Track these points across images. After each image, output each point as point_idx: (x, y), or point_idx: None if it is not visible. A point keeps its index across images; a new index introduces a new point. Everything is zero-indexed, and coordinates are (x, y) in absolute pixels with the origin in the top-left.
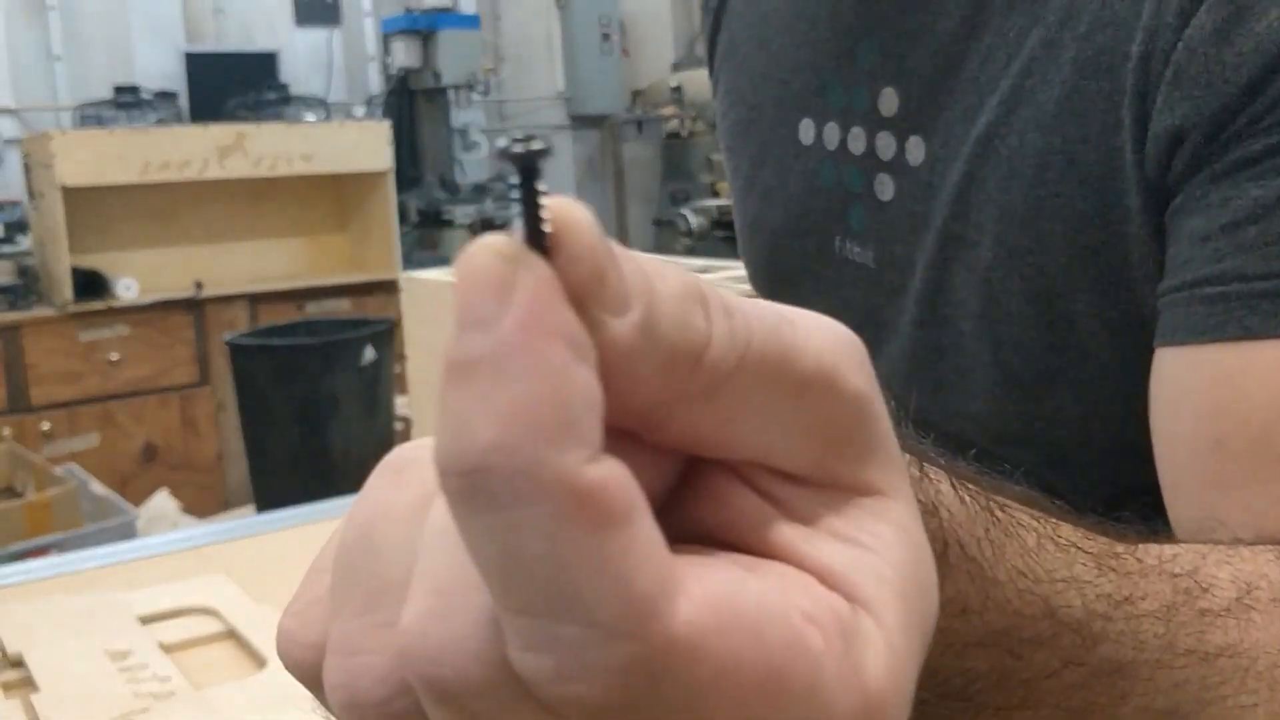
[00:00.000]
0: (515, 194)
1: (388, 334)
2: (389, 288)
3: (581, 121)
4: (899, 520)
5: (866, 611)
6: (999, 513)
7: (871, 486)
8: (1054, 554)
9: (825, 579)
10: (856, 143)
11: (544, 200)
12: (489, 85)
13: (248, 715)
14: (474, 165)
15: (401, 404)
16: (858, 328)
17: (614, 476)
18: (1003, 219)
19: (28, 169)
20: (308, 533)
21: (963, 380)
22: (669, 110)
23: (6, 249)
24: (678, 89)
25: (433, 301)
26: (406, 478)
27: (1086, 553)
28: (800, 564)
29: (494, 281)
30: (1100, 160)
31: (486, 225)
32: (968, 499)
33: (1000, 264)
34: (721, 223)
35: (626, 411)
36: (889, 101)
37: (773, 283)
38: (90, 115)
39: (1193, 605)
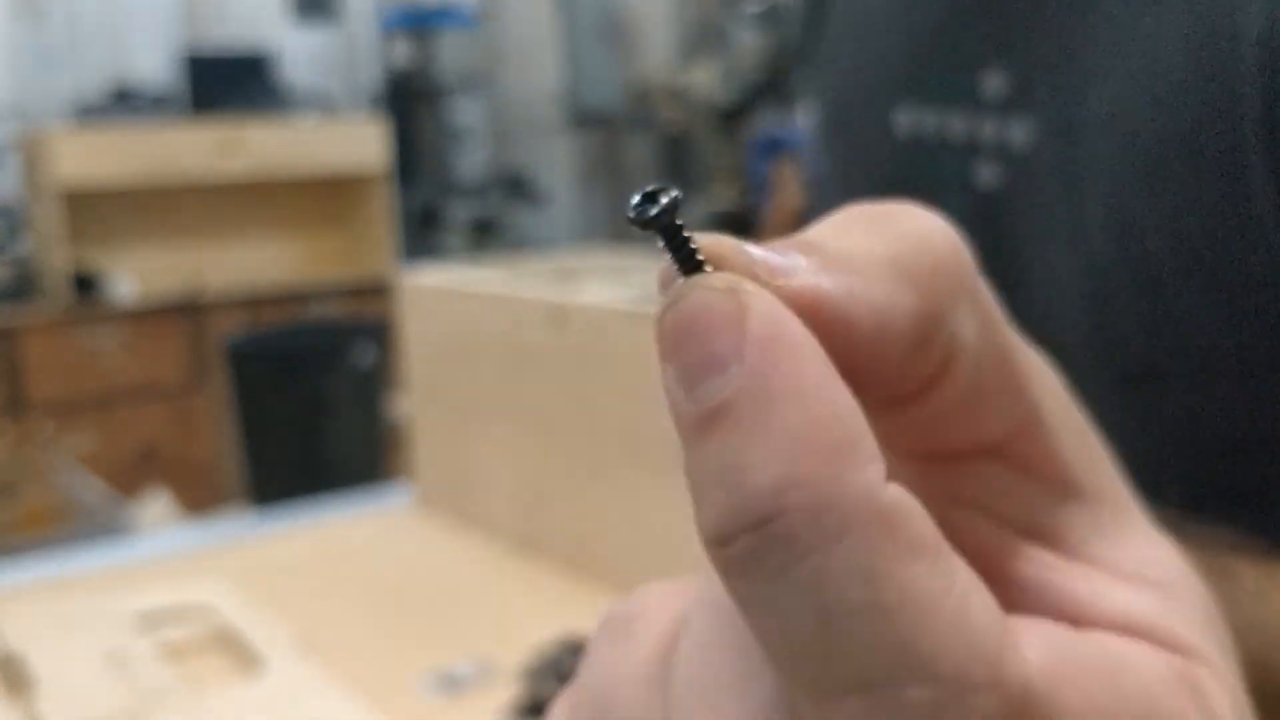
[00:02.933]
0: (668, 251)
1: (386, 335)
2: (387, 288)
3: (581, 121)
4: (1161, 539)
5: (1193, 659)
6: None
7: (1109, 492)
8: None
9: (1127, 629)
10: (953, 130)
11: (694, 242)
12: (489, 84)
13: (247, 716)
14: (473, 165)
15: (400, 405)
16: None
17: (908, 496)
18: (1116, 206)
19: (27, 169)
20: (306, 533)
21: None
22: (669, 110)
23: (5, 249)
24: (678, 89)
25: (431, 302)
26: (636, 636)
27: None
28: (1088, 612)
29: (719, 316)
30: (1220, 142)
31: (486, 229)
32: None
33: (1110, 255)
34: (721, 223)
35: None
36: (993, 84)
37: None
38: (90, 115)
39: None
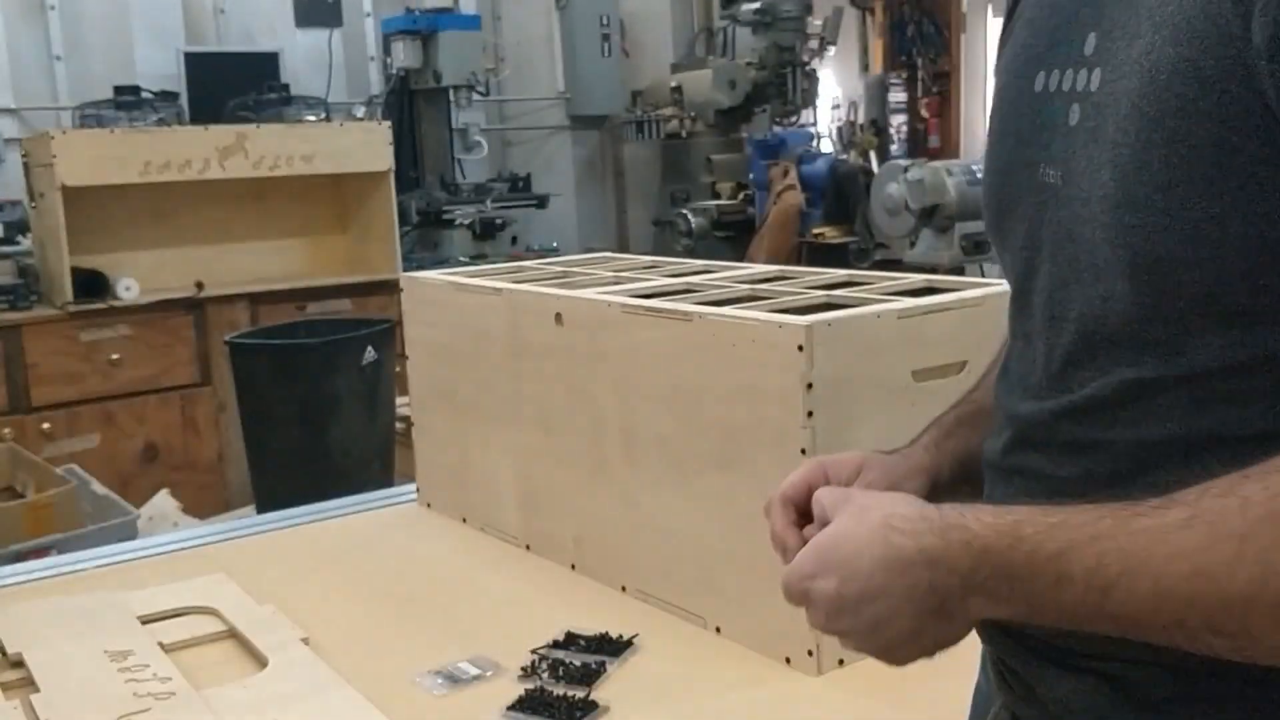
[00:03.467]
0: None
1: (388, 334)
2: (389, 288)
3: (581, 121)
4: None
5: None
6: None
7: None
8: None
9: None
10: (1064, 83)
11: None
12: (489, 85)
13: (248, 715)
14: (474, 165)
15: (401, 404)
16: (1053, 244)
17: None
18: (1142, 121)
19: (28, 169)
20: (308, 533)
21: (1097, 268)
22: (669, 110)
23: (6, 249)
24: (678, 89)
25: (433, 301)
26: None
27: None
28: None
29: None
30: (1219, 65)
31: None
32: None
33: (1138, 159)
34: (721, 223)
35: None
36: (1090, 43)
37: (998, 215)
38: (90, 115)
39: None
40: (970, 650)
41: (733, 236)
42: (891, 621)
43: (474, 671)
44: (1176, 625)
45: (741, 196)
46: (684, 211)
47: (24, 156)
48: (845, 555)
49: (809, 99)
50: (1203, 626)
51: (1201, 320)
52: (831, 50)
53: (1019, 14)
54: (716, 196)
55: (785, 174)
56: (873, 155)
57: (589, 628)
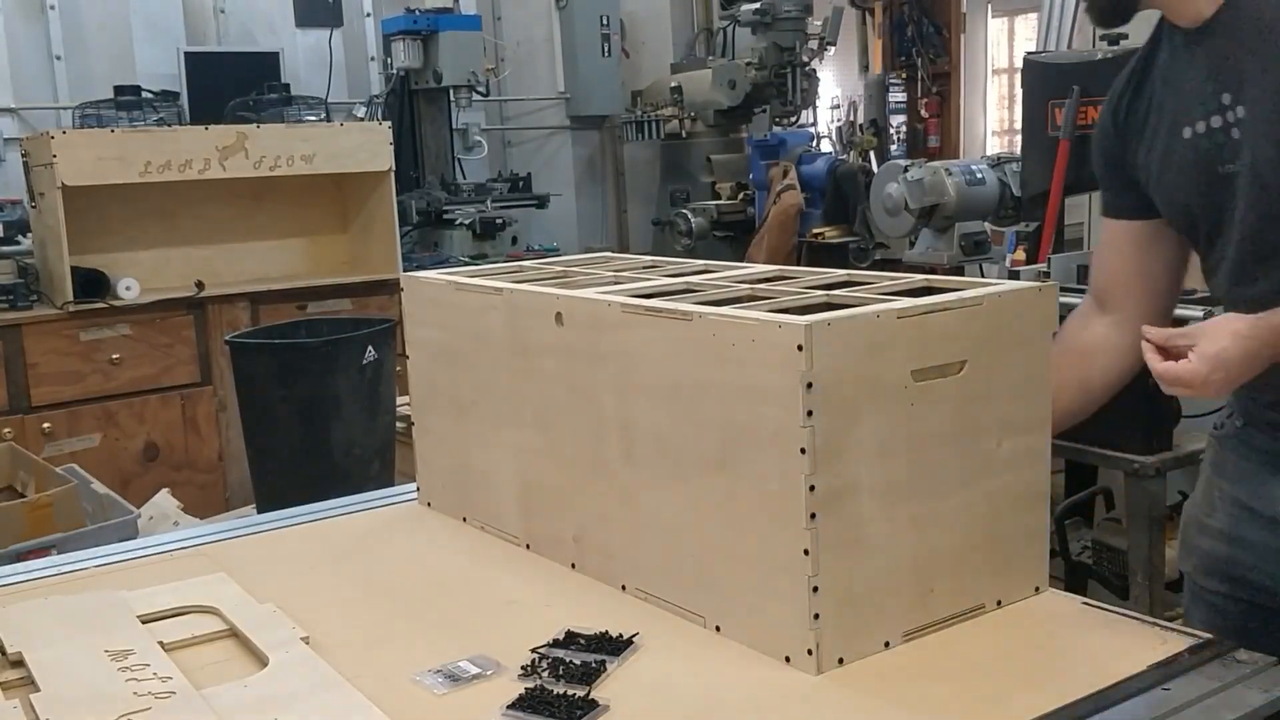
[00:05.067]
0: None
1: (388, 334)
2: (389, 287)
3: (581, 121)
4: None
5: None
6: None
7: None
8: None
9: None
10: (1217, 123)
11: None
12: (489, 85)
13: (248, 715)
14: (474, 165)
15: (402, 404)
16: (1249, 204)
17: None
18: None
19: (28, 169)
20: (308, 533)
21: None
22: (669, 110)
23: (6, 249)
24: (678, 89)
25: (433, 301)
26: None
27: None
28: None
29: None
30: None
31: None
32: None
33: (1269, 173)
34: (721, 223)
35: None
36: (1225, 96)
37: (1186, 220)
38: (90, 115)
39: None
40: (967, 651)
41: (732, 236)
42: (1237, 383)
43: (474, 670)
44: None
45: (741, 196)
46: (684, 211)
47: (24, 156)
48: (1225, 360)
49: (809, 99)
50: None
51: None
52: (831, 50)
53: (1128, 110)
54: (716, 196)
55: (785, 174)
56: (872, 155)
57: (589, 627)
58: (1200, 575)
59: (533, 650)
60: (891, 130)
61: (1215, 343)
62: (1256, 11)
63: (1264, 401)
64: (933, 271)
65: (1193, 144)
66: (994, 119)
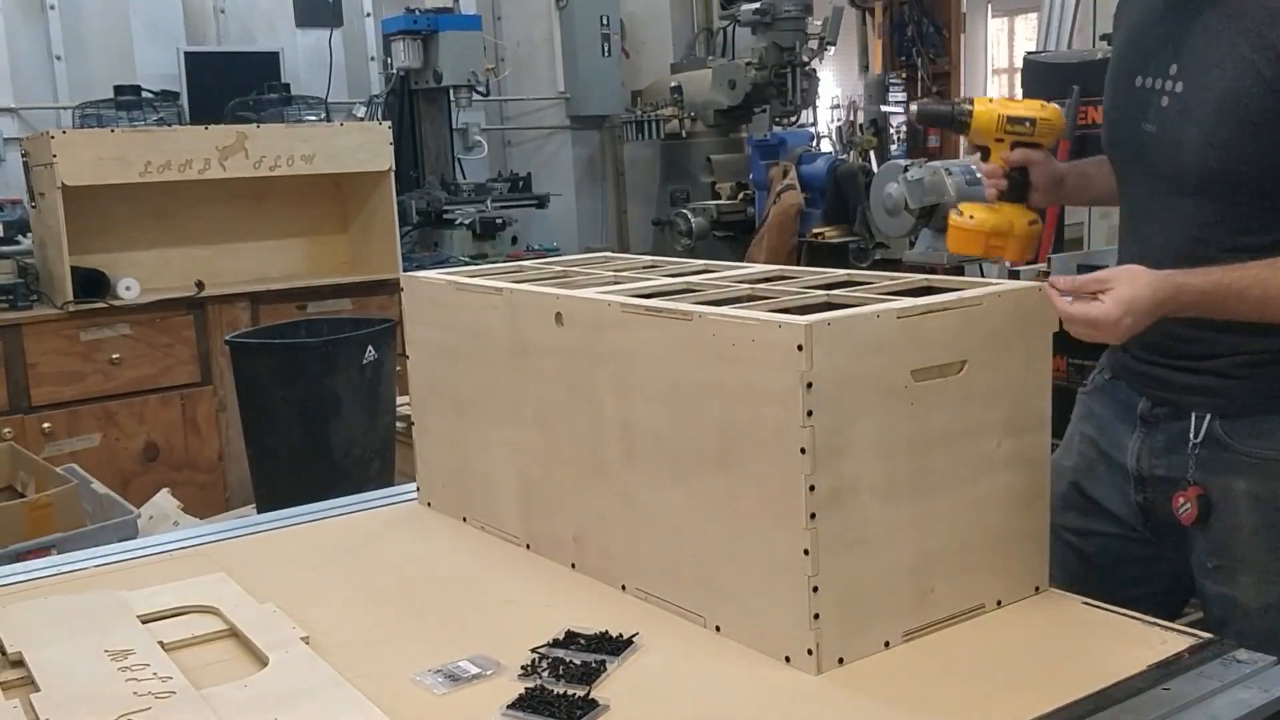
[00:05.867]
0: None
1: (388, 334)
2: (389, 287)
3: (581, 121)
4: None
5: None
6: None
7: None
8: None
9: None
10: (1157, 85)
11: None
12: (489, 85)
13: (248, 714)
14: (474, 165)
15: (402, 404)
16: (1152, 162)
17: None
18: (1212, 123)
19: (28, 169)
20: (308, 533)
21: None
22: (669, 110)
23: (6, 249)
24: (678, 89)
25: (433, 301)
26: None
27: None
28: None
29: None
30: (1259, 97)
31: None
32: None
33: (1205, 144)
34: (721, 223)
35: None
36: (1173, 69)
37: (1112, 148)
38: (90, 115)
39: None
40: (967, 651)
41: (732, 236)
42: (1138, 329)
43: (474, 670)
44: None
45: (741, 196)
46: (684, 211)
47: (24, 156)
48: (1136, 306)
49: (809, 99)
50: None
51: (1250, 200)
52: (831, 50)
53: (1120, 21)
54: (716, 196)
55: (785, 174)
56: (872, 155)
57: (589, 626)
58: (1056, 514)
59: (533, 650)
60: (891, 130)
61: (1131, 288)
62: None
63: (1133, 354)
64: (933, 271)
65: (1137, 93)
66: None
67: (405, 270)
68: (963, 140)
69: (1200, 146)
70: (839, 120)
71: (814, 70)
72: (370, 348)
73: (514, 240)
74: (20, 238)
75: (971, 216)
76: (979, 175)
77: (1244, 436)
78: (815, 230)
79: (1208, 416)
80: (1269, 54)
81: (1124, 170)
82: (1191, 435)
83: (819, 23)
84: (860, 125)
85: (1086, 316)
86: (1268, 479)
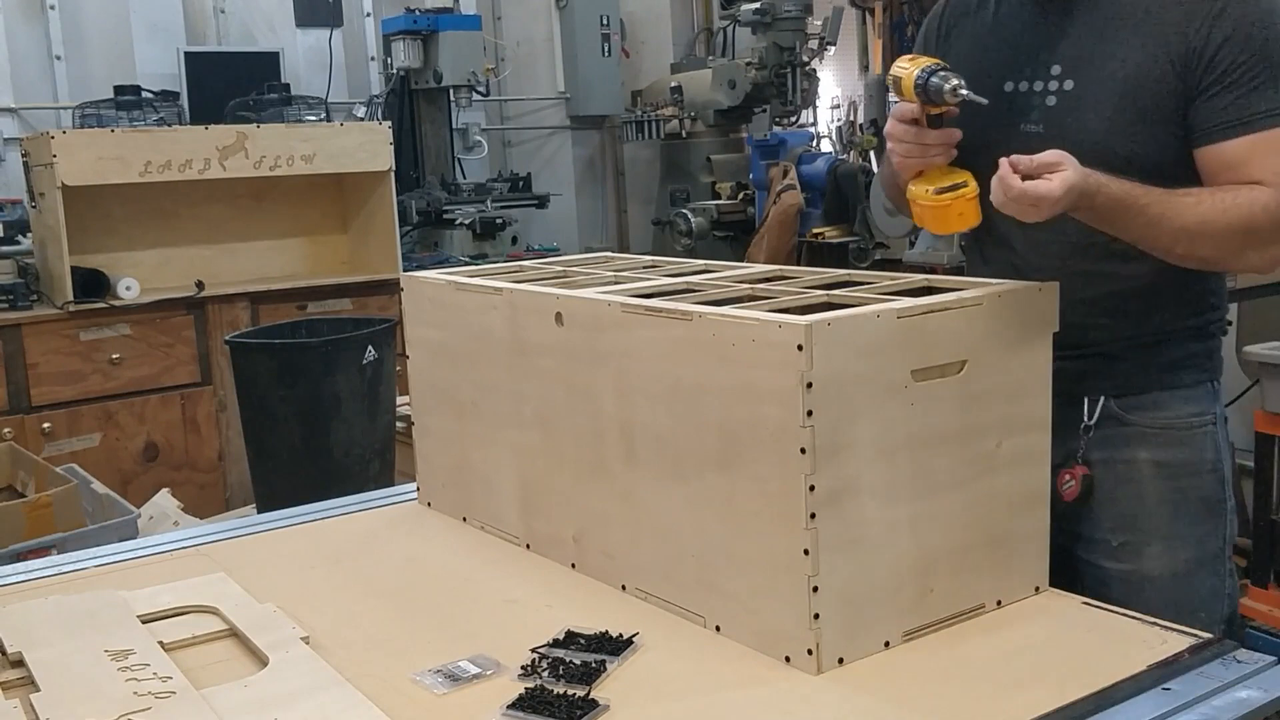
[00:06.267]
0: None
1: (388, 334)
2: (389, 287)
3: (581, 121)
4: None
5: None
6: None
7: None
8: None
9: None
10: (1038, 86)
11: None
12: (489, 85)
13: (248, 714)
14: (474, 165)
15: (402, 404)
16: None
17: None
18: (1112, 111)
19: (28, 169)
20: (308, 532)
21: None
22: (669, 110)
23: (6, 249)
24: (678, 89)
25: (433, 301)
26: None
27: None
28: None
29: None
30: (1158, 84)
31: (488, 226)
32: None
33: (1109, 131)
34: (721, 223)
35: None
36: (1057, 69)
37: (981, 152)
38: (90, 115)
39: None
40: (967, 651)
41: (733, 236)
42: (1057, 208)
43: (474, 670)
44: (1174, 240)
45: (741, 196)
46: (684, 211)
47: (24, 156)
48: (1072, 190)
49: (809, 99)
50: (1187, 244)
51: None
52: (831, 50)
53: (954, 35)
54: (716, 196)
55: (785, 174)
56: (872, 155)
57: (589, 626)
58: None
59: (533, 650)
60: None
61: (1074, 173)
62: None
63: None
64: (933, 271)
65: (1010, 99)
66: None
67: (405, 270)
68: None
69: (1104, 135)
70: (839, 120)
71: (814, 70)
72: (370, 348)
73: (514, 240)
74: (20, 238)
75: (965, 183)
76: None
77: (1141, 410)
78: (815, 230)
79: (1101, 398)
80: (1170, 39)
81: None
82: (1085, 418)
83: (819, 23)
84: (860, 125)
85: (1036, 193)
86: (1169, 446)
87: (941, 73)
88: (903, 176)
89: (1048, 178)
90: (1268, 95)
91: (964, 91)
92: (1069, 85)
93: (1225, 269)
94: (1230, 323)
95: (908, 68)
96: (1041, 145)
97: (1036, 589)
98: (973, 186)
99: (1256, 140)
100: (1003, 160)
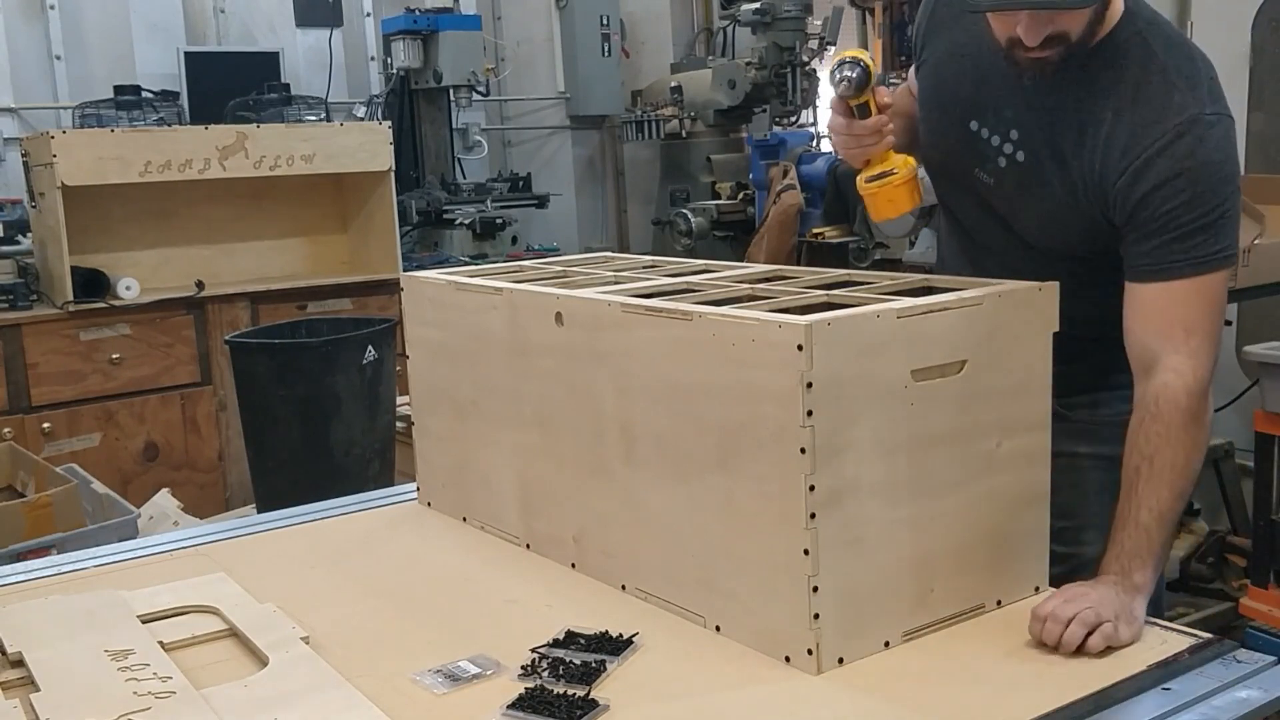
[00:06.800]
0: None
1: (388, 334)
2: (389, 287)
3: (581, 121)
4: None
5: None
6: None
7: None
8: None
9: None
10: (995, 141)
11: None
12: (489, 85)
13: (248, 714)
14: (474, 165)
15: (402, 404)
16: (986, 209)
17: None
18: (1054, 206)
19: (28, 169)
20: (308, 532)
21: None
22: (669, 110)
23: (6, 249)
24: (678, 89)
25: (433, 301)
26: None
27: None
28: None
29: None
30: (1086, 208)
31: (488, 226)
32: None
33: (1049, 218)
34: (721, 223)
35: None
36: (1014, 132)
37: (942, 177)
38: (90, 115)
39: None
40: (967, 651)
41: (732, 236)
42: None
43: (474, 670)
44: (1184, 497)
45: (741, 196)
46: (684, 211)
47: (24, 156)
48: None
49: (809, 99)
50: (1188, 484)
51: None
52: (831, 50)
53: (931, 58)
54: (716, 196)
55: (785, 174)
56: None
57: (589, 626)
58: None
59: (533, 650)
60: None
61: (1104, 598)
62: (1091, 91)
63: None
64: (932, 271)
65: (973, 137)
66: None
67: (405, 270)
68: None
69: (1033, 230)
70: None
71: (814, 70)
72: (370, 348)
73: (514, 240)
74: (20, 238)
75: (895, 170)
76: None
77: (1081, 409)
78: (815, 230)
79: None
80: (1092, 178)
81: (956, 193)
82: None
83: (819, 23)
84: None
85: (1108, 639)
86: (1108, 442)
87: (844, 66)
88: (853, 168)
89: (1104, 632)
90: (1191, 244)
91: (849, 94)
92: (1020, 157)
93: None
94: (1229, 322)
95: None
96: (990, 197)
97: (1036, 589)
98: (902, 173)
99: (1171, 291)
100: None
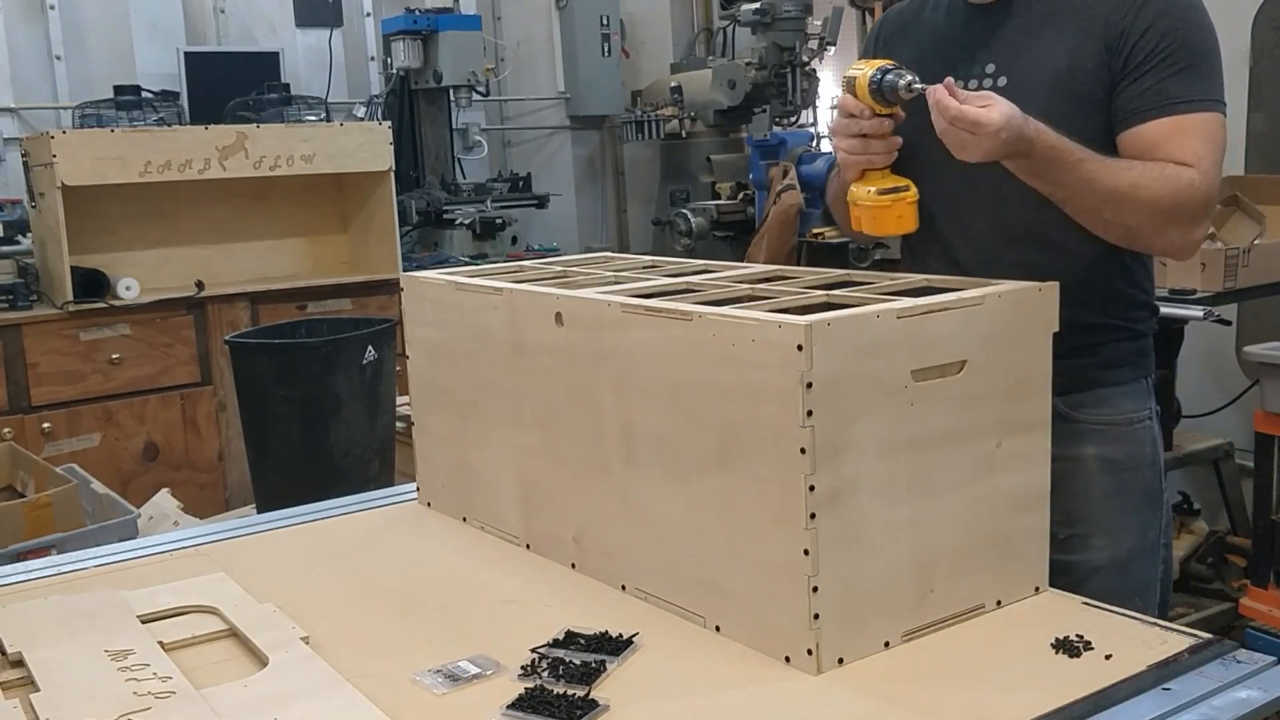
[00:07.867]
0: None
1: (388, 334)
2: (389, 287)
3: (581, 121)
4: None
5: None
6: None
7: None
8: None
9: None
10: (974, 85)
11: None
12: (489, 85)
13: (248, 714)
14: (474, 165)
15: (402, 404)
16: (963, 168)
17: None
18: (1045, 103)
19: (28, 169)
20: (308, 532)
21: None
22: (669, 110)
23: (6, 249)
24: (678, 89)
25: (433, 301)
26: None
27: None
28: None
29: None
30: (1090, 72)
31: (487, 226)
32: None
33: (1054, 106)
34: (721, 223)
35: None
36: (991, 68)
37: (919, 152)
38: (90, 115)
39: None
40: (967, 651)
41: (733, 236)
42: (1003, 153)
43: (474, 670)
44: (1104, 202)
45: (741, 196)
46: (684, 211)
47: (24, 156)
48: (1013, 126)
49: (809, 99)
50: (1115, 209)
51: None
52: (831, 50)
53: (895, 45)
54: (716, 196)
55: (785, 174)
56: None
57: (589, 626)
58: None
59: (533, 650)
60: None
61: (1011, 108)
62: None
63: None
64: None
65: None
66: None
67: (405, 270)
68: None
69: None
70: None
71: (814, 70)
72: (370, 348)
73: (514, 240)
74: (20, 238)
75: (907, 187)
76: None
77: (1085, 408)
78: (815, 230)
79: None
80: (1097, 29)
81: (935, 172)
82: None
83: (819, 23)
84: None
85: (974, 117)
86: (1113, 442)
87: (895, 71)
88: (846, 175)
89: (986, 105)
90: (1185, 82)
91: (919, 86)
92: (1002, 81)
93: (1147, 246)
94: (1229, 322)
95: (862, 68)
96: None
97: (1036, 589)
98: (913, 191)
99: (1174, 123)
100: (938, 87)
